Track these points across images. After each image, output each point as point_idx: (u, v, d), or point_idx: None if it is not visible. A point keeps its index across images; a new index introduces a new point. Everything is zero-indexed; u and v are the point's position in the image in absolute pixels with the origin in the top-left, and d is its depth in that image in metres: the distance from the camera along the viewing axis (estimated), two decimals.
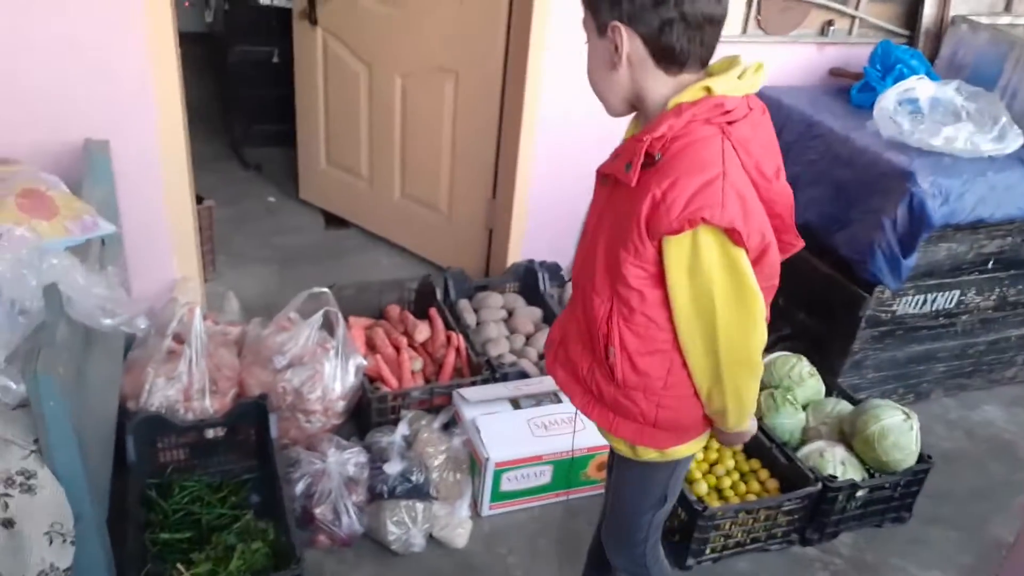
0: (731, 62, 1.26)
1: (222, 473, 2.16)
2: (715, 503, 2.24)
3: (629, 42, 1.20)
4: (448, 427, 2.32)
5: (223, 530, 1.96)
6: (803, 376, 2.55)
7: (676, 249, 1.21)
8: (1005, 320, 2.83)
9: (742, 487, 2.31)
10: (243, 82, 3.92)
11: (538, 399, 2.39)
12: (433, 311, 2.69)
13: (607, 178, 1.32)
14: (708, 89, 1.21)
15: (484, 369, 2.48)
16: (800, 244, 1.40)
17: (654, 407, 1.37)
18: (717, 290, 1.22)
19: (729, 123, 1.22)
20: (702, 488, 2.26)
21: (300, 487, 2.06)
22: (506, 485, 2.22)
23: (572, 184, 2.88)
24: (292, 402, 2.22)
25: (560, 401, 2.37)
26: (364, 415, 2.35)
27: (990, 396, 2.97)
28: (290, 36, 3.32)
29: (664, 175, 1.18)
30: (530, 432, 2.25)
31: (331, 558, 2.06)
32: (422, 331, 2.59)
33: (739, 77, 1.24)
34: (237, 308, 2.57)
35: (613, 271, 1.28)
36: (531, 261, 2.99)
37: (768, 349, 1.36)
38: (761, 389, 1.72)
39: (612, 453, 1.68)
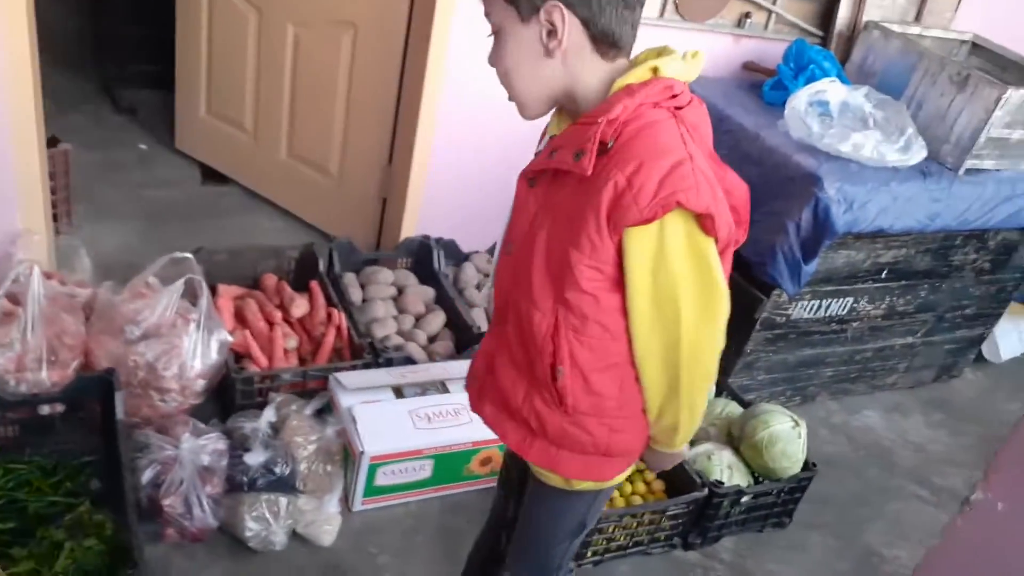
0: (662, 50, 1.15)
1: (59, 454, 1.91)
2: None
3: (569, 25, 1.08)
4: (322, 414, 2.14)
5: (53, 521, 1.73)
6: None
7: (639, 243, 1.08)
8: (892, 329, 2.86)
9: (628, 487, 2.24)
10: (120, 16, 3.53)
11: (423, 388, 2.23)
12: (314, 284, 2.48)
13: (537, 179, 1.18)
14: (655, 70, 1.11)
15: (366, 352, 2.30)
16: (743, 238, 1.29)
17: (607, 432, 1.25)
18: (682, 285, 1.10)
19: (678, 108, 1.12)
20: None
21: (148, 475, 1.84)
22: (381, 479, 2.06)
23: (476, 155, 2.70)
24: (145, 378, 1.98)
25: (447, 391, 2.22)
26: (227, 396, 2.13)
27: (872, 401, 3.02)
28: None
29: (625, 160, 1.06)
30: (412, 424, 2.10)
31: (179, 554, 1.86)
32: (300, 306, 2.38)
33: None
34: (89, 267, 2.29)
35: (560, 277, 1.15)
36: (426, 236, 2.80)
37: None
38: None
39: (509, 469, 1.55)
